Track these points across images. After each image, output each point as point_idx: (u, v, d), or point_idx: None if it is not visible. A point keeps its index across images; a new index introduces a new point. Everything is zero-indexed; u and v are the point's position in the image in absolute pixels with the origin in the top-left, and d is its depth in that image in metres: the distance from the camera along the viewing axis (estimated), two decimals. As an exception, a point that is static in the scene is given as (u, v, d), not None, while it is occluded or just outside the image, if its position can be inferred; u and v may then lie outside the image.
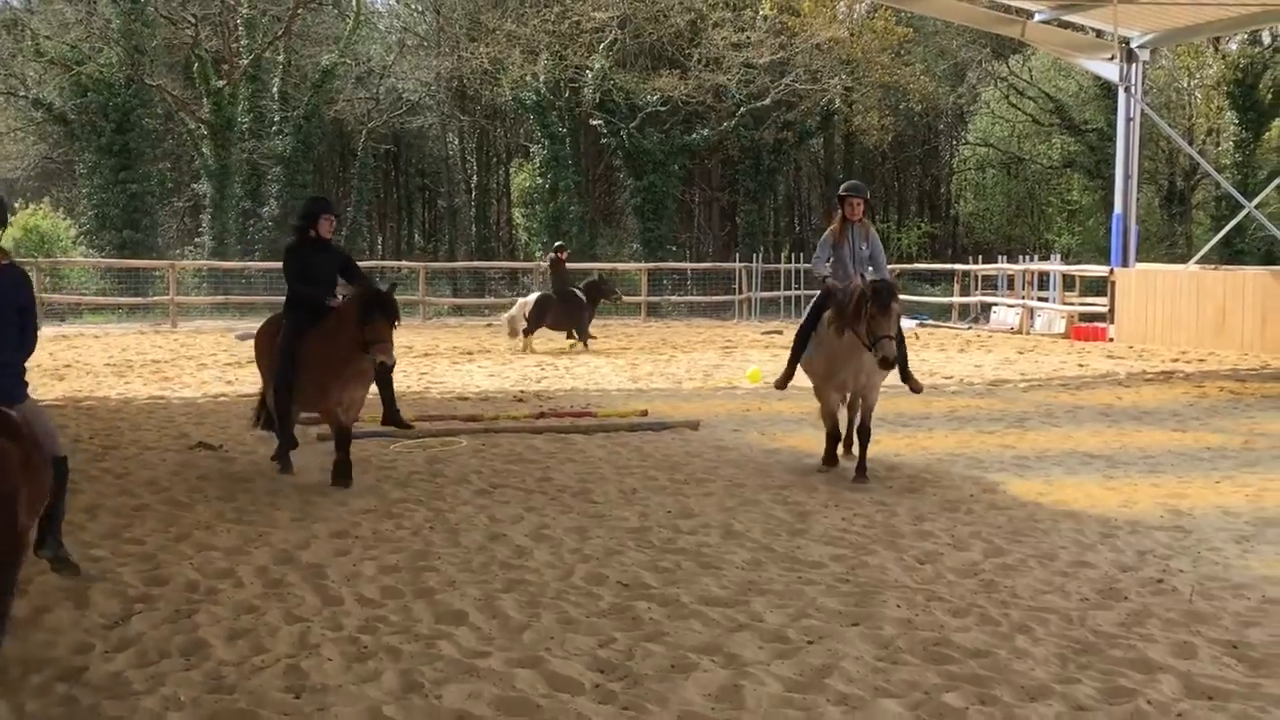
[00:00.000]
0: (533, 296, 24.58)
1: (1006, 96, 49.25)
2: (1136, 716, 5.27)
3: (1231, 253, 39.74)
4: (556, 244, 27.18)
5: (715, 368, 21.22)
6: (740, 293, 36.21)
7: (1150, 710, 5.33)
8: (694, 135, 42.53)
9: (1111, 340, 26.69)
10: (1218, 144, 46.42)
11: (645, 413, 14.69)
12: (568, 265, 25.78)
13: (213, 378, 19.17)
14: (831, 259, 11.20)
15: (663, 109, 40.85)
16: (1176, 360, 22.74)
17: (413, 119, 49.30)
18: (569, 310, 24.27)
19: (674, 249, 42.96)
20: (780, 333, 28.76)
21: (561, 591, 7.16)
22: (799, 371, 11.68)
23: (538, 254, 41.07)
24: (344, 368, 10.09)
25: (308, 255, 10.58)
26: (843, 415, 11.55)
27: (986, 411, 15.52)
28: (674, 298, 37.33)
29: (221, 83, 39.95)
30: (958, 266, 36.25)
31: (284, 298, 10.81)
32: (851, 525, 9.04)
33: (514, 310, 24.68)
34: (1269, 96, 42.21)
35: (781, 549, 8.28)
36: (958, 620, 6.67)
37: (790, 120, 43.84)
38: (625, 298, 36.26)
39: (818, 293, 11.55)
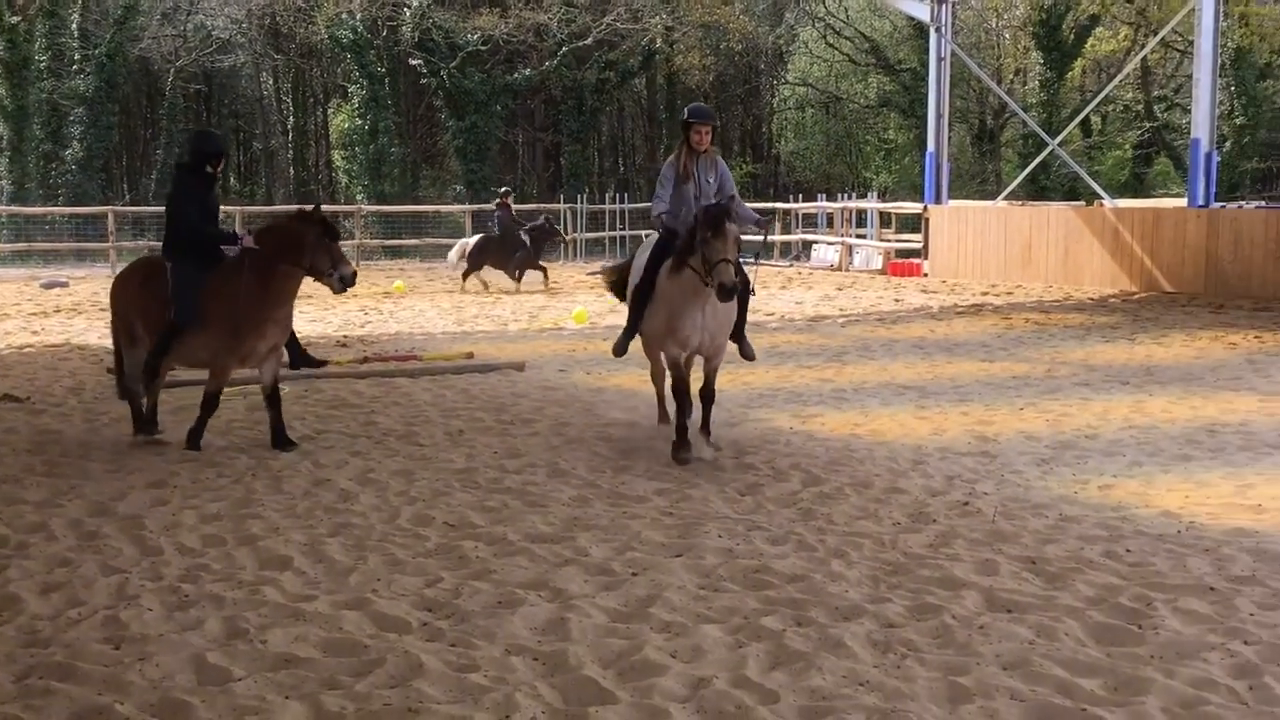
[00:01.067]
0: (475, 238, 25.13)
1: (824, 36, 49.98)
2: (941, 630, 5.54)
3: (1038, 189, 41.22)
4: (502, 189, 27.81)
5: (541, 309, 21.25)
6: (565, 234, 36.19)
7: (954, 624, 5.61)
8: (516, 75, 42.19)
9: (926, 275, 27.53)
10: (1024, 83, 47.95)
11: (471, 355, 14.68)
12: (513, 207, 26.19)
13: (16, 328, 18.44)
14: (672, 196, 9.51)
15: (483, 48, 40.39)
16: (986, 293, 23.60)
17: (224, 58, 47.76)
18: (508, 251, 24.50)
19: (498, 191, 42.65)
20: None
21: (388, 534, 7.16)
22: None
23: (359, 196, 40.38)
24: (275, 310, 9.36)
25: (204, 195, 9.59)
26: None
27: (806, 347, 15.91)
28: (499, 239, 37.08)
29: (16, 19, 38.06)
30: (779, 205, 36.84)
31: (153, 241, 10.08)
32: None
33: (453, 253, 25.33)
34: (1071, 37, 43.72)
35: (606, 485, 8.41)
36: (776, 548, 6.89)
37: (612, 60, 43.78)
38: (449, 240, 36.00)
39: (653, 238, 9.94)
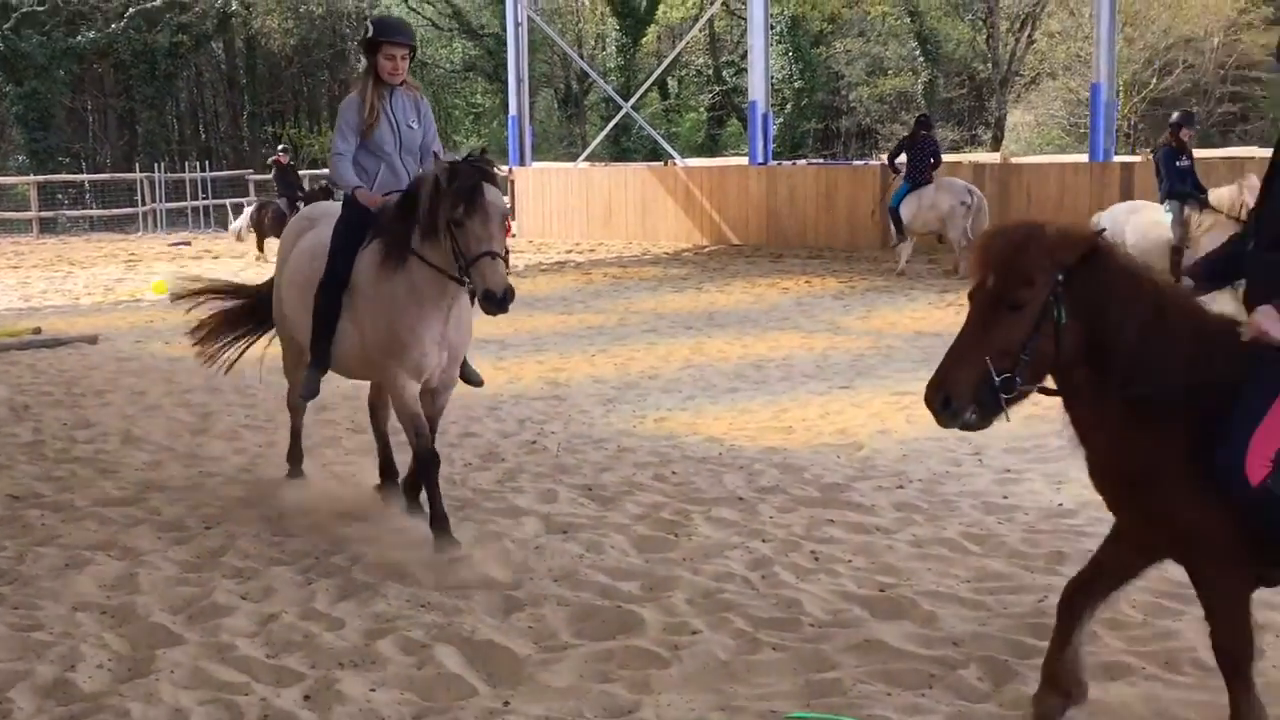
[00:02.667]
0: (254, 205, 23.90)
1: (405, 1, 49.83)
2: (502, 553, 6.00)
3: (620, 150, 42.85)
4: (280, 146, 25.37)
5: (118, 281, 20.44)
6: (144, 204, 34.66)
7: (513, 547, 6.10)
8: (80, 38, 39.80)
9: (514, 236, 28.21)
10: (604, 48, 49.59)
11: (39, 330, 14.03)
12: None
13: None
14: (359, 152, 6.53)
15: (41, 9, 37.88)
16: (570, 251, 24.53)
17: None
18: (285, 217, 22.57)
19: (66, 160, 40.16)
20: (189, 243, 27.95)
21: (-56, 510, 6.95)
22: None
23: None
24: None
25: None
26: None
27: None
28: (70, 212, 35.08)
29: None
30: (368, 170, 36.63)
31: None
32: (254, 420, 9.31)
33: (240, 219, 24.17)
34: (644, 4, 45.56)
35: (183, 449, 8.42)
36: (352, 494, 7.17)
37: (185, 23, 42.04)
38: (12, 214, 33.76)
39: (320, 213, 7.12)
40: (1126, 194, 20.14)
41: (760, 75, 24.91)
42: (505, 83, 38.65)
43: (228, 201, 34.28)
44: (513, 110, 29.25)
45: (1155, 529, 3.90)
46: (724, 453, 8.08)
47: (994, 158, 28.31)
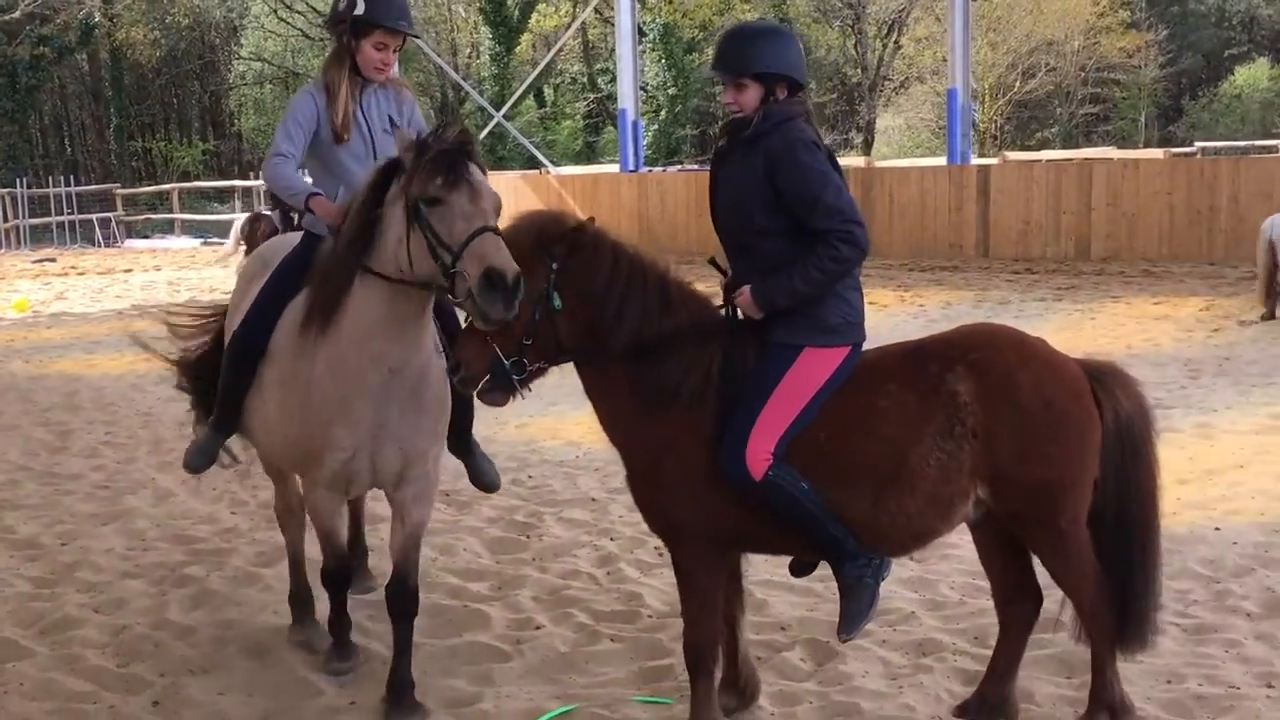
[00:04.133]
0: (246, 216, 22.45)
1: (275, 11, 49.36)
2: (373, 570, 6.14)
3: (497, 159, 42.91)
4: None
5: (-22, 301, 20.02)
6: (6, 220, 33.89)
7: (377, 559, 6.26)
8: (-64, 50, 38.81)
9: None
10: (478, 57, 49.62)
11: (-107, 352, 13.77)
12: None
13: None
14: (298, 156, 4.83)
15: (-106, 21, 36.87)
16: (444, 261, 24.51)
17: None
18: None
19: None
20: (54, 260, 27.44)
21: None
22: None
23: None
24: None
25: None
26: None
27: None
28: (-71, 230, 34.14)
29: None
30: (239, 183, 36.26)
31: None
32: (115, 437, 9.30)
33: (234, 230, 22.49)
34: (516, 13, 45.73)
35: (40, 467, 8.40)
36: (209, 508, 7.26)
37: (47, 35, 41.16)
38: None
39: (267, 255, 5.22)
40: (984, 195, 20.84)
41: (629, 82, 25.21)
42: (378, 93, 38.50)
43: (94, 216, 33.72)
44: (385, 121, 29.17)
45: (649, 515, 4.07)
46: (580, 456, 8.30)
47: (860, 161, 29.03)
